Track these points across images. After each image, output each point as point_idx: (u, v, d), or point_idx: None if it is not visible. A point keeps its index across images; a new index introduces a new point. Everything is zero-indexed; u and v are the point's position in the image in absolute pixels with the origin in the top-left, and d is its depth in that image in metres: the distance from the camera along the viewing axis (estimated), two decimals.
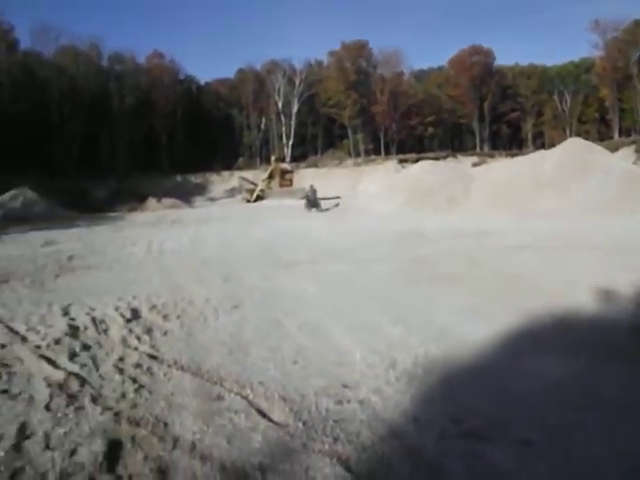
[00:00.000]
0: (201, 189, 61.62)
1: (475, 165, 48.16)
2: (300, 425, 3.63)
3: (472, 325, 5.64)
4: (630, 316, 5.71)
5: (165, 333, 5.92)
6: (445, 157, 62.09)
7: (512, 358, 4.72)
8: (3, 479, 3.14)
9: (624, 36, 69.96)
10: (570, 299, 6.46)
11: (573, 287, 7.06)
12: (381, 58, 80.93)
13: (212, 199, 55.71)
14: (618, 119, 73.91)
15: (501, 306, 6.35)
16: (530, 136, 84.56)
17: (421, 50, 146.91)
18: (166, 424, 3.72)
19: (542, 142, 78.28)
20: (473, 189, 22.92)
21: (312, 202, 30.63)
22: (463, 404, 3.82)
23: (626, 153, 52.86)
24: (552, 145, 39.56)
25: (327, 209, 30.59)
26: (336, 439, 3.43)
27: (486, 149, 77.85)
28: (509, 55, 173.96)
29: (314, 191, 31.53)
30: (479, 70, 79.83)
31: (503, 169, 24.44)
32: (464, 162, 56.73)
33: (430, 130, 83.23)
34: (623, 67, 71.06)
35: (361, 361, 4.75)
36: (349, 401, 3.96)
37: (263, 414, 3.81)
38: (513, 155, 49.48)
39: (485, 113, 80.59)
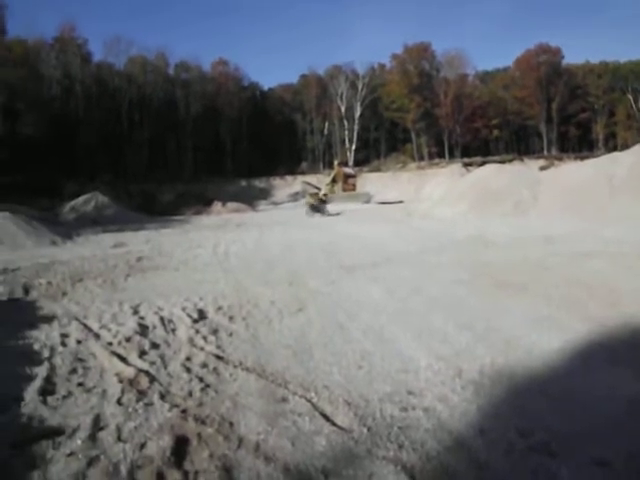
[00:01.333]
0: (265, 193, 62.33)
1: (543, 168, 46.75)
2: (364, 430, 3.62)
3: (542, 335, 5.46)
4: None
5: (231, 334, 6.02)
6: (511, 160, 60.67)
7: (585, 372, 4.54)
8: (81, 466, 3.27)
9: None
10: None
11: None
12: (444, 60, 79.70)
13: (275, 203, 56.28)
14: None
15: (573, 316, 6.11)
16: (601, 137, 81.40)
17: (486, 51, 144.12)
18: (231, 423, 3.79)
19: (614, 144, 75.33)
20: (541, 193, 22.23)
21: (316, 207, 31.74)
22: (532, 417, 3.70)
23: None
24: (625, 147, 38.10)
25: (337, 214, 31.17)
26: (401, 446, 3.40)
27: (554, 152, 75.38)
28: (578, 53, 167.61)
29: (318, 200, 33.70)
30: (546, 70, 77.34)
31: (573, 172, 23.57)
32: (531, 165, 55.32)
33: (495, 133, 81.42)
34: None
35: (426, 368, 4.70)
36: (414, 408, 3.93)
37: (327, 418, 3.82)
38: (583, 158, 47.78)
39: (553, 114, 77.96)
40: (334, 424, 3.73)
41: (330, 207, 36.15)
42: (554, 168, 39.17)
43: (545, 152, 75.06)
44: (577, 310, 6.36)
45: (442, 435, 3.52)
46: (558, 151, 75.68)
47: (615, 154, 24.45)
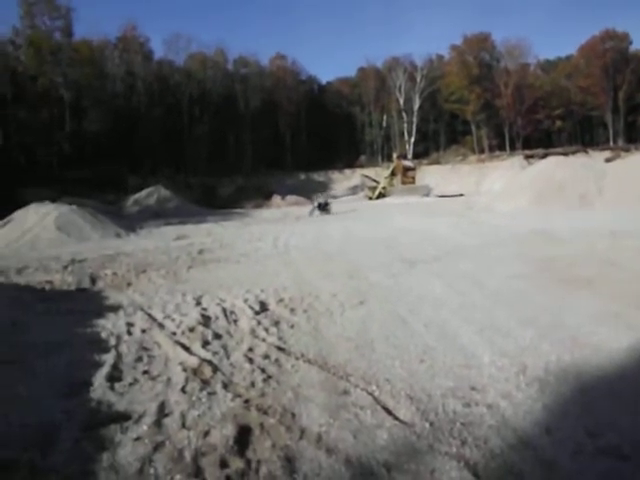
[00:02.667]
0: (323, 186, 62.45)
1: (608, 160, 45.08)
2: (427, 425, 3.58)
3: (610, 332, 5.26)
4: None
5: (292, 326, 6.06)
6: (574, 152, 58.81)
7: None
8: (147, 450, 3.36)
9: None
10: None
11: None
12: (505, 50, 77.81)
13: (334, 196, 56.41)
14: None
15: None
16: None
17: (548, 39, 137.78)
18: (293, 414, 3.81)
19: None
20: (607, 186, 21.47)
21: (322, 206, 29.97)
22: (601, 418, 3.57)
23: None
24: None
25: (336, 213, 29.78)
26: (464, 443, 3.34)
27: (620, 143, 72.57)
28: None
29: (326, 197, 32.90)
30: (613, 57, 74.23)
31: None
32: (596, 157, 53.45)
33: (558, 124, 79.06)
34: None
35: (490, 364, 4.61)
36: (477, 404, 3.86)
37: (389, 411, 3.80)
38: None
39: (619, 104, 75.05)
40: (396, 418, 3.70)
41: (390, 199, 35.94)
42: (621, 160, 37.73)
43: (611, 143, 72.30)
44: None
45: (506, 433, 3.44)
46: (625, 142, 72.68)
47: None
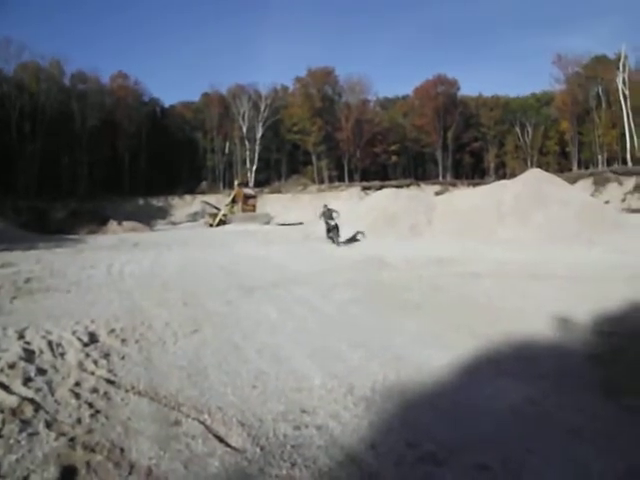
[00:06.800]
0: (163, 212, 61.28)
1: (438, 193, 48.93)
2: (258, 450, 3.65)
3: (431, 352, 5.72)
4: (588, 345, 5.84)
5: (123, 357, 5.87)
6: (408, 185, 63.20)
7: (470, 385, 4.82)
8: None
9: (585, 71, 72.77)
10: (529, 327, 6.60)
11: (533, 315, 7.22)
12: (347, 85, 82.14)
13: (174, 223, 55.39)
14: (577, 152, 76.37)
15: (461, 333, 6.46)
16: (492, 166, 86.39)
17: (387, 78, 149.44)
18: (122, 449, 3.70)
19: (504, 172, 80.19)
20: (436, 217, 23.26)
21: (332, 229, 20.85)
22: (420, 429, 3.89)
23: (584, 185, 54.69)
24: (513, 175, 40.57)
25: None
26: (293, 464, 3.46)
27: (449, 178, 79.24)
28: (473, 86, 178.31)
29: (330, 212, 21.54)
30: (444, 100, 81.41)
31: (465, 198, 24.86)
32: (427, 190, 57.82)
33: (394, 158, 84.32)
34: (583, 101, 73.92)
35: (320, 386, 4.80)
36: (307, 426, 4.00)
37: (221, 439, 3.82)
38: (475, 184, 50.53)
39: (448, 142, 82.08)
40: (228, 445, 3.73)
41: (231, 227, 35.94)
42: (448, 193, 40.99)
43: (440, 178, 78.80)
44: (465, 328, 6.70)
45: (334, 451, 3.62)
46: (453, 177, 79.81)
47: (504, 182, 26.05)
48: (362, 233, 22.68)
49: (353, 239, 22.12)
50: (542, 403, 4.33)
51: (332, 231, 20.78)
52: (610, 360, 5.29)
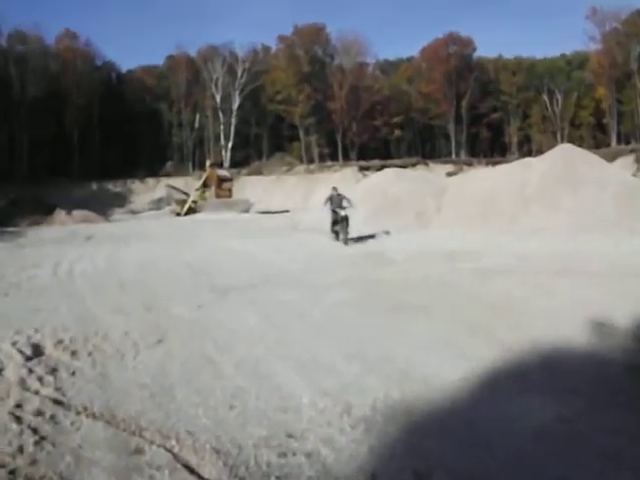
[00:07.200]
0: (121, 199, 61.07)
1: (450, 174, 49.12)
2: None
3: (443, 363, 5.74)
4: (627, 353, 5.83)
5: (73, 373, 5.85)
6: (414, 164, 63.24)
7: (491, 402, 4.82)
8: None
9: (625, 28, 72.11)
10: (558, 332, 6.62)
11: (562, 318, 7.25)
12: (340, 46, 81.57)
13: (134, 212, 55.13)
14: (616, 124, 75.98)
15: (478, 341, 6.48)
16: (515, 141, 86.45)
17: (388, 38, 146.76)
18: None
19: (529, 148, 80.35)
20: (447, 203, 23.22)
21: (341, 221, 18.80)
22: (430, 457, 3.87)
23: (625, 163, 54.71)
24: (540, 152, 40.48)
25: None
26: None
27: (463, 156, 79.07)
28: (491, 46, 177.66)
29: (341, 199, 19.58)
30: (456, 63, 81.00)
31: (482, 180, 24.77)
32: (437, 171, 57.88)
33: (397, 132, 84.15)
34: (622, 63, 73.15)
35: (309, 406, 4.80)
36: (294, 453, 3.99)
37: (191, 470, 3.80)
38: (494, 163, 50.47)
39: (462, 113, 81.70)
40: (200, 477, 3.72)
41: (202, 216, 35.73)
42: (462, 174, 41.03)
43: (453, 156, 78.56)
44: (482, 334, 6.73)
45: None
46: (468, 155, 79.41)
47: (528, 160, 25.99)
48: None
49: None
50: (574, 423, 4.33)
51: (340, 224, 18.73)
52: None
